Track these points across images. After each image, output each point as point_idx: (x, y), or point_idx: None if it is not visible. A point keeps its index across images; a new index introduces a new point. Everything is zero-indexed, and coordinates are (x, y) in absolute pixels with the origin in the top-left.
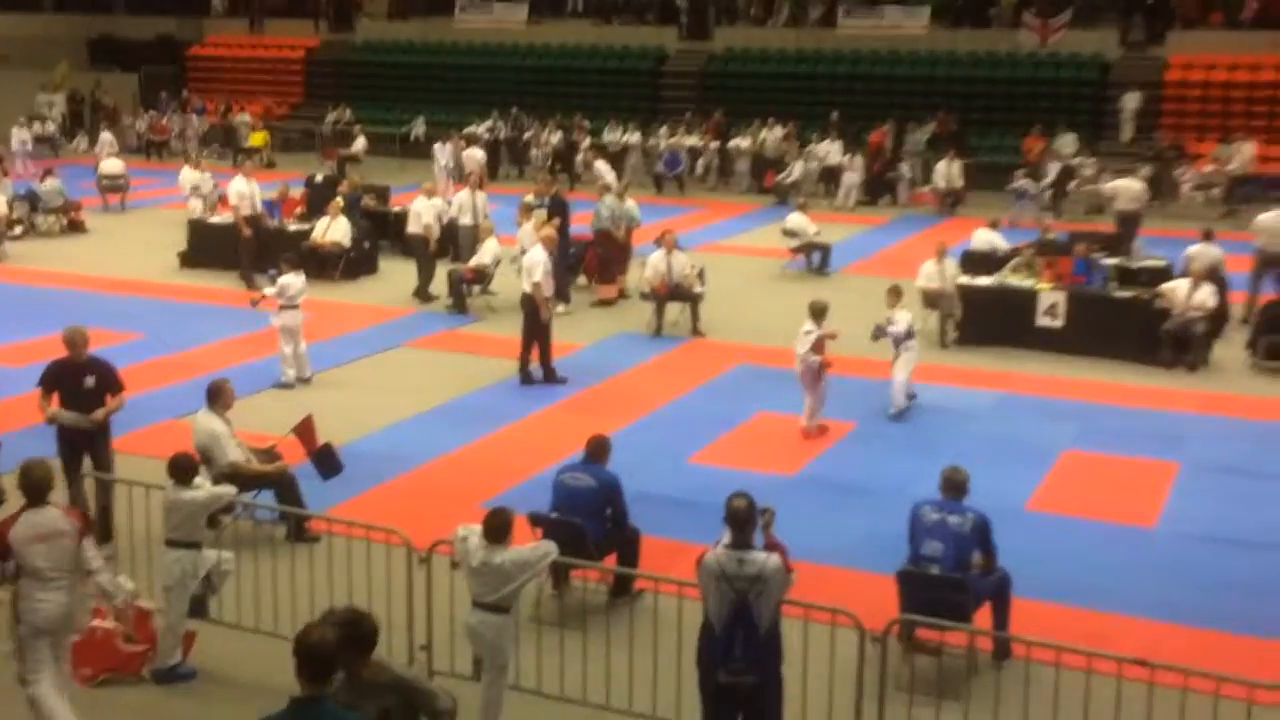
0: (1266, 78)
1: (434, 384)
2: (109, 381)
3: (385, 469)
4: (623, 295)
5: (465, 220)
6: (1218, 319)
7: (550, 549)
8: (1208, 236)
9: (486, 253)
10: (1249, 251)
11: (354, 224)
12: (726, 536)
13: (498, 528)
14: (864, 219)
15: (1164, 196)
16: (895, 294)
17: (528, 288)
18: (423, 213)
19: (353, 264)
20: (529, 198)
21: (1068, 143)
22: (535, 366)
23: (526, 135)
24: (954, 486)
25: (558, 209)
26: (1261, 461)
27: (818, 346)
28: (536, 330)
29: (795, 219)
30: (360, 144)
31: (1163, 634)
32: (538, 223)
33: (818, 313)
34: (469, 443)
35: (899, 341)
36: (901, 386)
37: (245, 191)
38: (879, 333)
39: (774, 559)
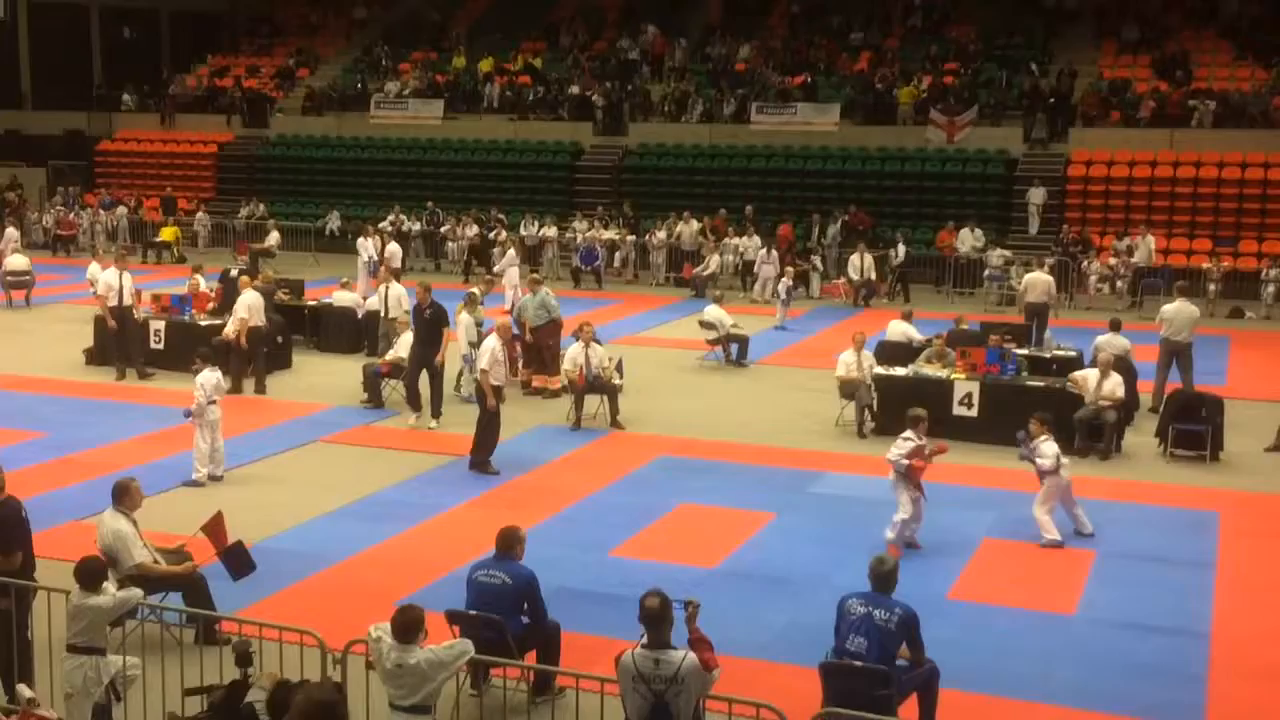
0: (1163, 173)
1: (349, 480)
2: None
3: (299, 567)
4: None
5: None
6: (1127, 408)
7: (466, 647)
8: (1115, 327)
9: (402, 346)
10: (1154, 341)
11: (267, 319)
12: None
13: (406, 626)
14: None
15: (1071, 288)
16: (1040, 423)
17: (478, 376)
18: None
19: (266, 359)
20: (475, 290)
21: (976, 237)
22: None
23: (443, 229)
24: (880, 579)
25: (438, 317)
26: (1173, 548)
27: (912, 455)
28: (491, 417)
29: (712, 311)
30: (274, 238)
31: None
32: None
33: (915, 421)
34: (385, 539)
35: (1043, 474)
36: (1045, 520)
37: (115, 283)
38: (1023, 451)
39: (691, 658)
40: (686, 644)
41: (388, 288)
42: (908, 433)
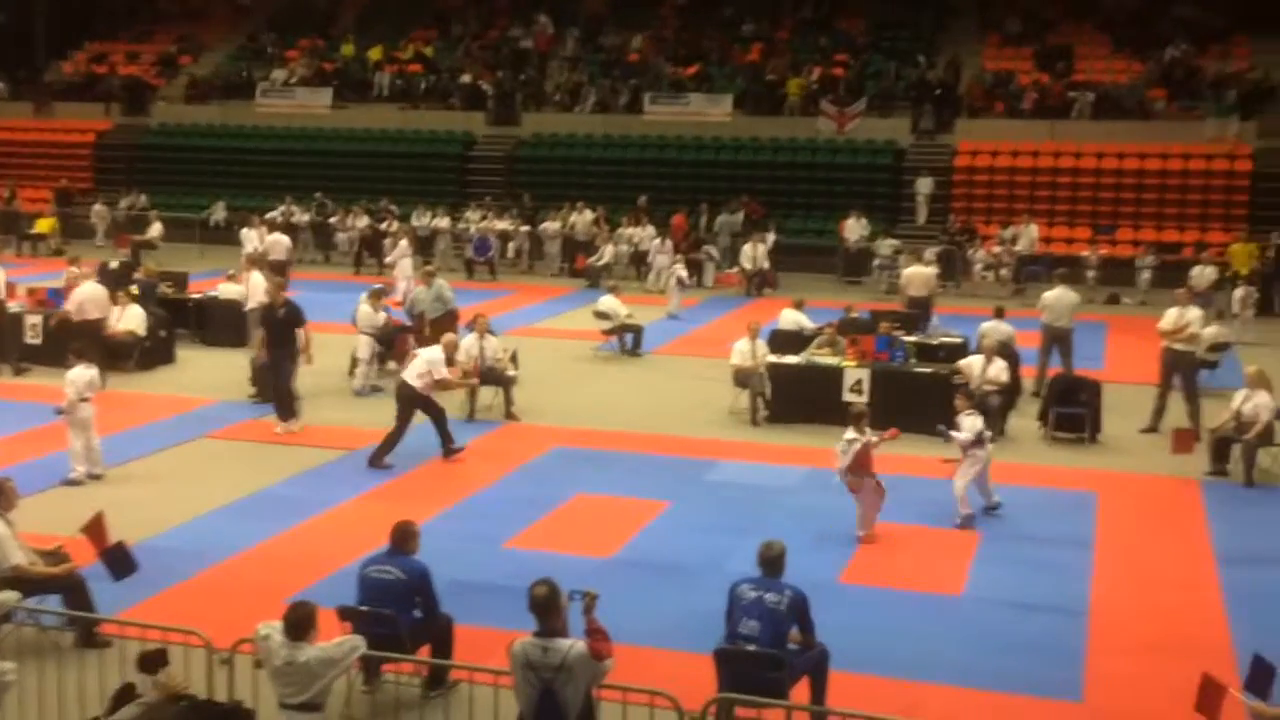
0: (1045, 163)
1: (236, 476)
2: None
3: (184, 566)
4: None
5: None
6: (1011, 392)
7: (357, 643)
8: (999, 314)
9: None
10: (1036, 327)
11: (149, 312)
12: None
13: (298, 622)
14: None
15: (957, 276)
16: (965, 397)
17: (412, 380)
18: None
19: (148, 353)
20: (378, 286)
21: (862, 226)
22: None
23: (332, 220)
24: (768, 563)
25: (293, 315)
26: (1054, 528)
27: (858, 462)
28: (418, 414)
29: (607, 301)
30: (156, 230)
31: (971, 700)
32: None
33: (856, 418)
34: (274, 535)
35: (965, 448)
36: (962, 493)
37: None
38: (943, 434)
39: (579, 647)
40: (584, 634)
41: (249, 278)
42: (850, 432)
